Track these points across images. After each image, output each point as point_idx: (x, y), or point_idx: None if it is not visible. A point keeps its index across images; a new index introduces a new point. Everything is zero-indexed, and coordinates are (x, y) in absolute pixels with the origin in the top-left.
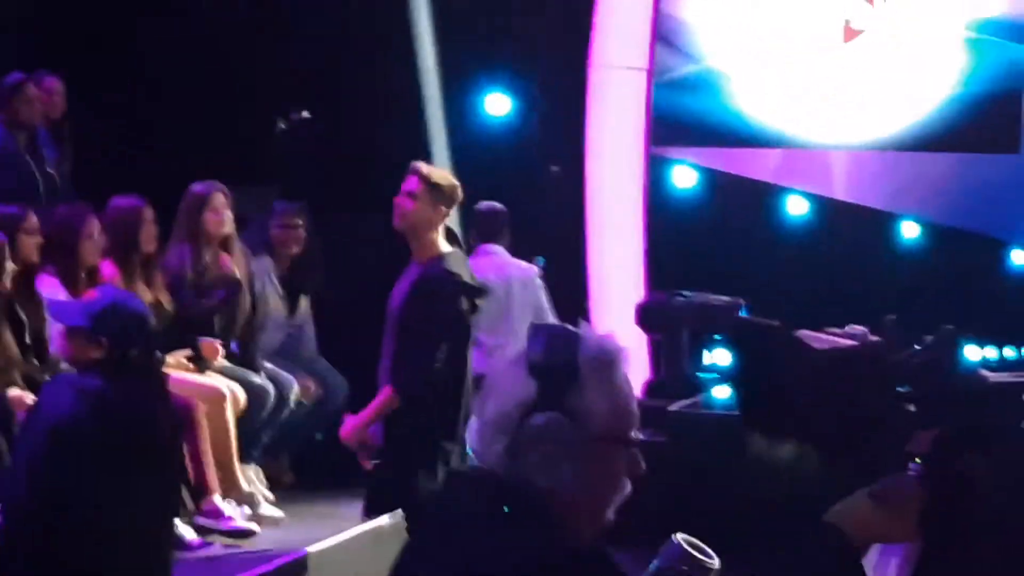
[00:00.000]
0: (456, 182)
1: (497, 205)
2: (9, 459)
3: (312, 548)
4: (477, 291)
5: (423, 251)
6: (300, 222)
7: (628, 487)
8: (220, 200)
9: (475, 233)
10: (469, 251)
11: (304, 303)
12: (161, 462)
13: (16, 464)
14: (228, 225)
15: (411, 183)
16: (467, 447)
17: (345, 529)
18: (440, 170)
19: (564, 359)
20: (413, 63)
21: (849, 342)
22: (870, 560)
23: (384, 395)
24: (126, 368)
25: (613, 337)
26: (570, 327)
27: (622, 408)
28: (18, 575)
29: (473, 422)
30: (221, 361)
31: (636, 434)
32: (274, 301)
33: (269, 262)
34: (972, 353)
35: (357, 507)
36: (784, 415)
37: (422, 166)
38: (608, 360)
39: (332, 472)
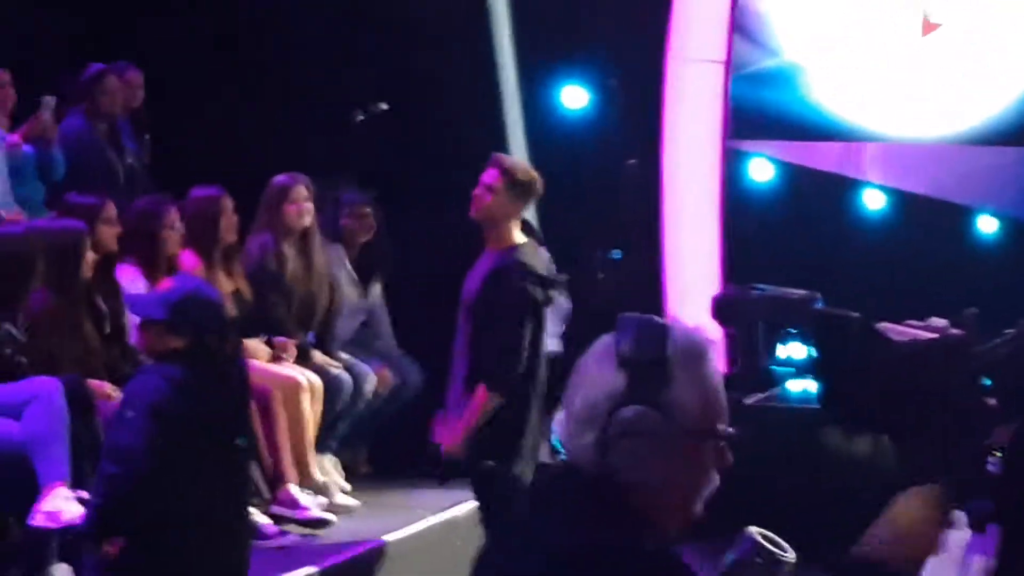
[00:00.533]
0: (536, 175)
1: None
2: (97, 445)
3: (388, 537)
4: (551, 282)
5: (498, 242)
6: (369, 211)
7: (716, 480)
8: (302, 192)
9: None
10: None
11: (376, 289)
12: (236, 450)
13: (110, 449)
14: (308, 217)
15: (490, 175)
16: (554, 439)
17: (421, 519)
18: (521, 162)
19: (654, 351)
20: (490, 56)
21: (930, 334)
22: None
23: (479, 396)
24: (205, 357)
25: (702, 330)
26: (658, 319)
27: (711, 401)
28: (112, 558)
29: (560, 414)
30: (293, 355)
31: (724, 427)
32: (348, 287)
33: (341, 250)
34: None
35: (432, 496)
36: (863, 408)
37: (504, 158)
38: (698, 353)
39: (408, 462)
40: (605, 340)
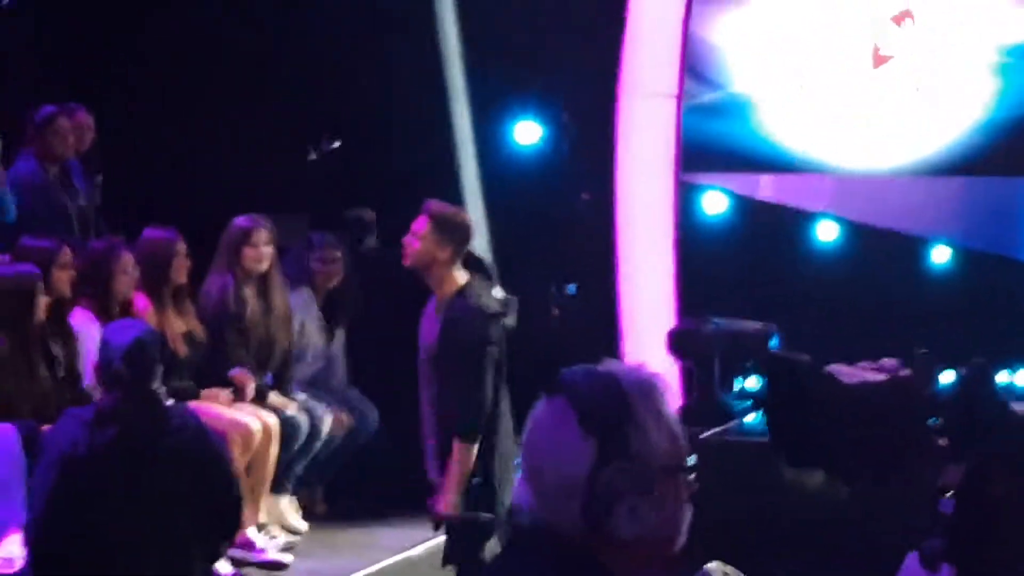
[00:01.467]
0: (467, 219)
1: None
2: None
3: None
4: (501, 315)
5: (440, 287)
6: (339, 255)
7: (690, 510)
8: (262, 236)
9: None
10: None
11: (340, 334)
12: (170, 499)
13: (31, 494)
14: (267, 262)
15: (419, 223)
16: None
17: (379, 560)
18: (451, 207)
19: (617, 409)
20: (443, 92)
21: (879, 377)
22: None
23: (456, 453)
24: (140, 401)
25: (644, 365)
26: (600, 369)
27: (676, 434)
28: None
29: (519, 481)
30: (251, 392)
31: (688, 456)
32: (315, 333)
33: (309, 293)
34: (1006, 378)
35: (390, 536)
36: (813, 448)
37: (433, 204)
38: (653, 390)
39: (365, 502)
40: (554, 406)
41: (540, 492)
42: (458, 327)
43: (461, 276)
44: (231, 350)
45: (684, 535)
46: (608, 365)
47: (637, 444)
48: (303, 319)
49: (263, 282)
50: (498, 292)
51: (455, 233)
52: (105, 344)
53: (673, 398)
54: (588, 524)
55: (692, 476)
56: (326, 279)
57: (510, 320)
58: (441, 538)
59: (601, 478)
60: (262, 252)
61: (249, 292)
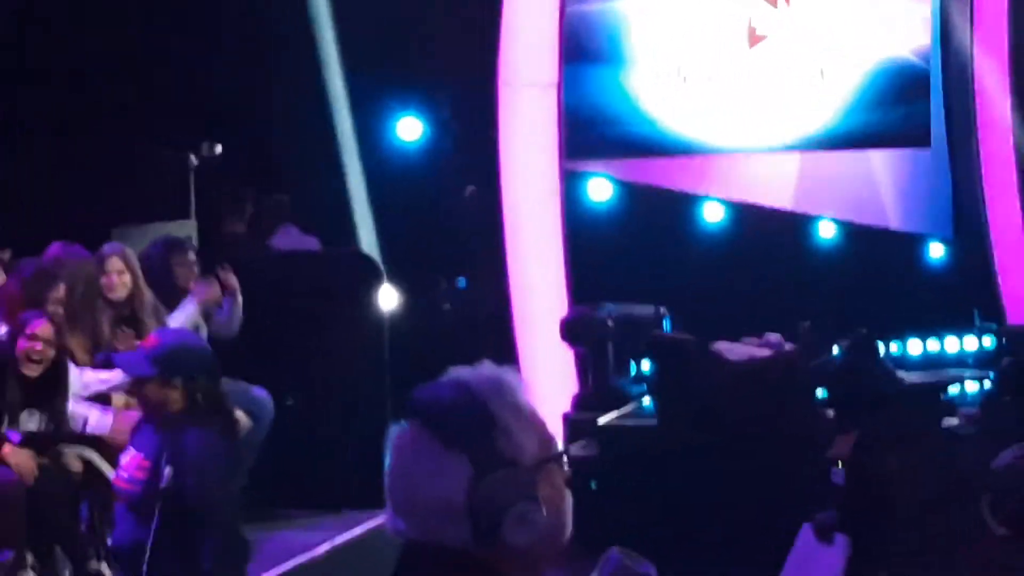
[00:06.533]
0: None
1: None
2: None
3: None
4: None
5: None
6: (193, 257)
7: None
8: (115, 264)
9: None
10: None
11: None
12: None
13: None
14: (123, 289)
15: None
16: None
17: (282, 562)
18: None
19: (474, 414)
20: (323, 93)
21: (764, 352)
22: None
23: None
24: None
25: (488, 365)
26: (447, 380)
27: (540, 425)
28: None
29: (388, 514)
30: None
31: (556, 443)
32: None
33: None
34: (893, 349)
35: (291, 537)
36: (701, 426)
37: None
38: (506, 387)
39: (270, 503)
40: (413, 431)
41: (419, 520)
42: None
43: None
44: None
45: (571, 524)
46: (454, 373)
47: (508, 449)
48: (196, 323)
49: (129, 306)
50: None
51: None
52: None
53: (526, 387)
54: (481, 542)
55: (564, 460)
56: (188, 280)
57: None
58: (345, 537)
59: (482, 493)
60: (114, 281)
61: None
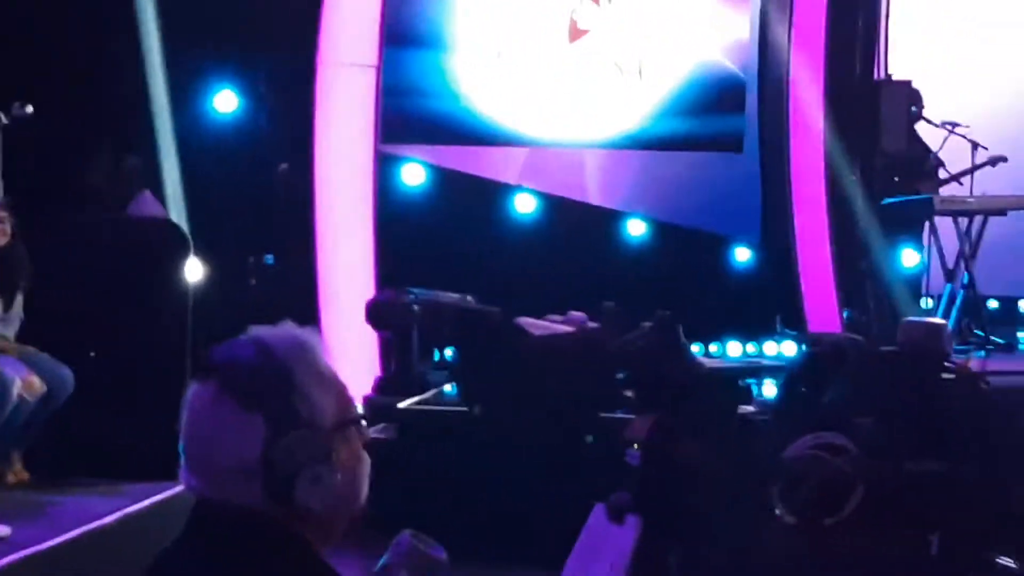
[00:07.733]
0: None
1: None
2: None
3: (44, 545)
4: None
5: None
6: (3, 215)
7: (368, 460)
8: None
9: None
10: None
11: (19, 297)
12: None
13: None
14: None
15: None
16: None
17: (70, 529)
18: None
19: (273, 375)
20: (139, 60)
21: (568, 328)
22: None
23: None
24: None
25: (289, 326)
26: (248, 339)
27: (340, 388)
28: None
29: (182, 470)
30: None
31: (356, 407)
32: None
33: None
34: (713, 350)
35: (83, 505)
36: (504, 401)
37: None
38: (310, 350)
39: (64, 470)
40: (208, 389)
41: (212, 479)
42: None
43: None
44: None
45: (367, 490)
46: (255, 333)
47: (305, 411)
48: None
49: None
50: None
51: None
52: None
53: (328, 349)
54: (274, 501)
55: (363, 424)
56: None
57: None
58: (135, 507)
59: (276, 454)
60: None
61: None
